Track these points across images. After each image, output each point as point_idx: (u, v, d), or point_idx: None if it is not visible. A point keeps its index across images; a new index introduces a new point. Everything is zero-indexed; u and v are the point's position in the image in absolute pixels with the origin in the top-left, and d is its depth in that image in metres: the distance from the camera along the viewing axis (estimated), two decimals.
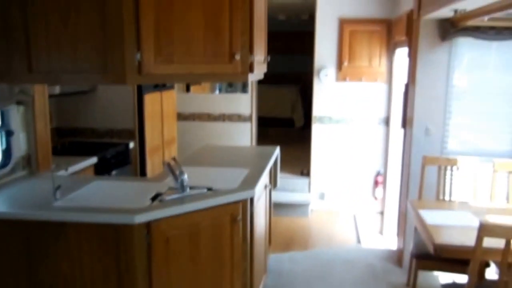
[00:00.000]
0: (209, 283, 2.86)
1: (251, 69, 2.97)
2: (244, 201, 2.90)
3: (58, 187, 2.68)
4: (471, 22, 3.74)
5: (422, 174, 3.93)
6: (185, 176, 2.75)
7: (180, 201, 2.66)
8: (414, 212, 3.41)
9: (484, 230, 2.48)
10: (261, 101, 7.12)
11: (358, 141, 6.07)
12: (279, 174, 4.44)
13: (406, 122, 4.46)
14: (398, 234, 4.80)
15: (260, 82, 5.29)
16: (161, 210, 2.54)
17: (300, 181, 6.30)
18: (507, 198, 3.81)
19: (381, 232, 5.60)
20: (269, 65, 3.75)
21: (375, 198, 6.12)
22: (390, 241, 5.25)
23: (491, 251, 2.61)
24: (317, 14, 5.91)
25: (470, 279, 2.57)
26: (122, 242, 2.48)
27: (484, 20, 3.52)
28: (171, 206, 2.59)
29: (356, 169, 6.13)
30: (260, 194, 3.29)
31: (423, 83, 4.14)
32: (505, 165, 3.80)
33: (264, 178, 3.44)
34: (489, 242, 2.52)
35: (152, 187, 2.95)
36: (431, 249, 2.85)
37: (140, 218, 2.45)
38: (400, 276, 4.30)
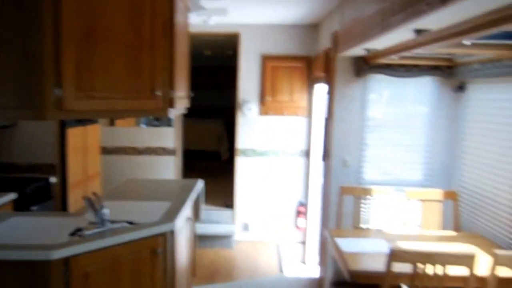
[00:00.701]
0: None
1: (171, 104, 3.02)
2: (164, 234, 2.93)
3: None
4: (383, 60, 4.01)
5: (340, 204, 4.11)
6: (106, 211, 2.75)
7: (100, 235, 2.65)
8: (331, 240, 3.55)
9: (393, 256, 2.64)
10: (188, 134, 7.18)
11: (280, 173, 6.25)
12: (202, 207, 4.49)
13: (326, 154, 4.66)
14: (319, 263, 4.95)
15: (186, 116, 5.35)
16: (79, 245, 2.51)
17: (225, 213, 6.37)
18: (420, 225, 4.06)
19: (303, 261, 5.73)
20: (196, 98, 3.83)
21: (298, 228, 6.27)
22: (312, 270, 5.39)
23: (401, 275, 2.76)
24: (240, 51, 6.12)
25: None
26: (39, 279, 2.43)
27: (395, 59, 3.79)
28: (90, 240, 2.57)
29: (279, 200, 6.30)
30: (181, 226, 3.33)
31: (340, 117, 4.36)
32: (416, 193, 4.07)
33: (186, 211, 3.48)
34: (400, 266, 2.68)
35: (72, 222, 2.92)
36: (347, 275, 2.98)
37: (58, 254, 2.41)
38: None
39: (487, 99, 3.88)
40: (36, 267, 2.41)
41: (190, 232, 3.86)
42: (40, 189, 4.32)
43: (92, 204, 2.78)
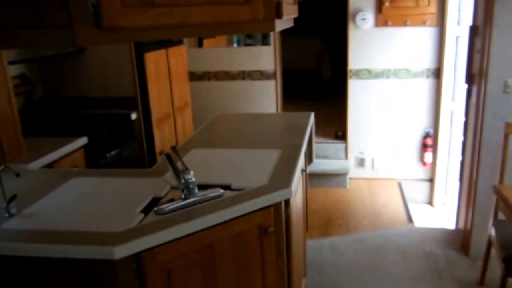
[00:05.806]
0: None
1: (278, 13, 1.97)
2: (277, 205, 2.02)
3: (13, 198, 1.85)
4: None
5: (505, 147, 3.01)
6: (191, 176, 1.89)
7: (186, 215, 1.80)
8: (504, 204, 2.52)
9: None
10: (284, 53, 6.15)
11: (402, 97, 5.12)
12: (314, 146, 3.58)
13: (470, 76, 3.52)
14: (459, 212, 3.94)
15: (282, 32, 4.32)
16: (155, 234, 1.67)
17: (335, 145, 5.40)
18: None
19: (430, 203, 4.80)
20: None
21: (424, 164, 5.21)
22: (443, 215, 4.54)
23: None
24: None
25: None
26: (102, 283, 1.65)
27: None
28: (170, 224, 1.72)
29: (401, 130, 5.22)
30: (297, 185, 2.42)
31: (502, 23, 3.16)
32: None
33: (301, 162, 2.56)
34: None
35: (148, 186, 2.11)
36: None
37: (124, 250, 1.60)
38: (468, 269, 3.45)
39: None
40: (96, 268, 1.63)
41: (303, 186, 2.97)
42: (118, 128, 3.60)
43: (172, 163, 1.94)
